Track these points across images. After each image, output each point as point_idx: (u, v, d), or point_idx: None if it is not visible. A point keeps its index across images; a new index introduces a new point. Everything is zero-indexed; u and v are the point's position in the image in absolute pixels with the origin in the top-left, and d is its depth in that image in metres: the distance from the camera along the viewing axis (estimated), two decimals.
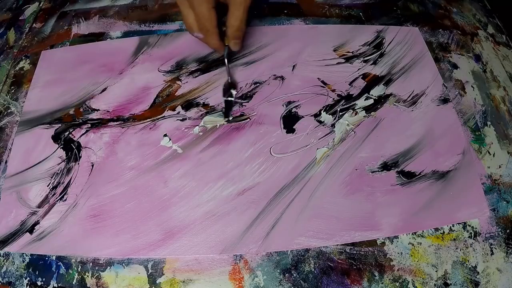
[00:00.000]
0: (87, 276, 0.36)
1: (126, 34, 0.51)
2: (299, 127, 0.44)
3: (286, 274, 0.36)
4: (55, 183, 0.40)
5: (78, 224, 0.38)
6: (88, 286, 0.36)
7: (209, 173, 0.41)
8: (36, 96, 0.46)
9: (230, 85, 0.45)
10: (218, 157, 0.42)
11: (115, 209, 0.39)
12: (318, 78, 0.47)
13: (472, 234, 0.38)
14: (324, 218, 0.38)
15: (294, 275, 0.36)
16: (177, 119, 0.44)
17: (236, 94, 0.45)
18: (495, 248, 0.38)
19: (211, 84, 0.47)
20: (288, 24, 0.52)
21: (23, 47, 0.51)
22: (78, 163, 0.41)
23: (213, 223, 0.38)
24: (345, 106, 0.45)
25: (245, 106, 0.45)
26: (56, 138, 0.43)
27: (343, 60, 0.49)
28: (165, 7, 0.54)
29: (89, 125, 0.44)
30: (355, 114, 0.45)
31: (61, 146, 0.43)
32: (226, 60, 0.45)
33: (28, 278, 0.36)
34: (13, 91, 0.47)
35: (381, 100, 0.46)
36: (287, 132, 0.43)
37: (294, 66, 0.48)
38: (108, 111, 0.45)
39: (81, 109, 0.45)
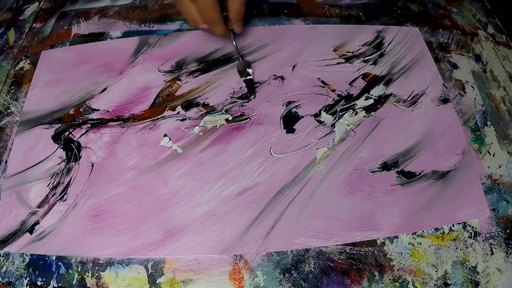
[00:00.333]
0: (87, 276, 0.36)
1: (126, 34, 0.51)
2: (299, 127, 0.44)
3: (286, 274, 0.36)
4: (55, 183, 0.40)
5: (78, 224, 0.38)
6: (88, 286, 0.36)
7: (209, 173, 0.41)
8: (36, 96, 0.46)
9: (245, 66, 0.46)
10: (218, 157, 0.42)
11: (115, 209, 0.39)
12: (318, 78, 0.47)
13: (472, 234, 0.38)
14: (324, 218, 0.38)
15: (294, 275, 0.36)
16: (177, 119, 0.44)
17: (253, 72, 0.46)
18: (495, 248, 0.38)
19: (211, 84, 0.47)
20: (288, 24, 0.52)
21: (23, 47, 0.51)
22: (78, 163, 0.41)
23: (213, 223, 0.38)
24: (345, 106, 0.45)
25: (245, 106, 0.45)
26: (56, 138, 0.43)
27: (343, 60, 0.49)
28: (165, 7, 0.54)
29: (89, 125, 0.44)
30: (355, 114, 0.45)
31: (61, 146, 0.43)
32: (235, 43, 0.45)
33: (28, 278, 0.36)
34: (13, 91, 0.47)
35: (381, 100, 0.46)
36: (287, 132, 0.43)
37: (294, 66, 0.48)
38: (108, 111, 0.45)
39: (81, 109, 0.45)
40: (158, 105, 0.45)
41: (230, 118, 0.44)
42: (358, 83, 0.47)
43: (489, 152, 0.43)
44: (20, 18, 0.55)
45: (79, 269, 0.36)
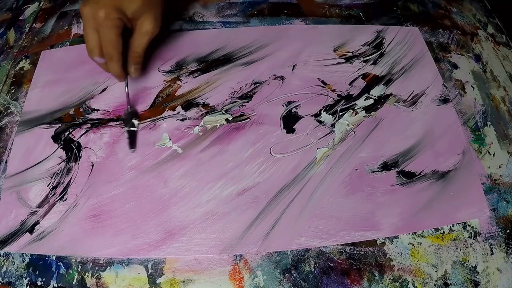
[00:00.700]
0: (87, 276, 0.36)
1: None
2: (299, 127, 0.44)
3: (286, 274, 0.36)
4: (55, 183, 0.40)
5: (78, 224, 0.38)
6: (88, 286, 0.36)
7: (209, 173, 0.41)
8: (36, 96, 0.46)
9: (131, 114, 0.44)
10: (218, 157, 0.42)
11: (115, 209, 0.39)
12: (318, 78, 0.47)
13: (472, 234, 0.38)
14: (324, 218, 0.38)
15: (294, 275, 0.36)
16: (177, 119, 0.44)
17: (138, 123, 0.43)
18: (495, 248, 0.38)
19: (211, 84, 0.47)
20: (288, 24, 0.52)
21: (23, 47, 0.51)
22: (78, 163, 0.41)
23: (213, 223, 0.38)
24: (345, 106, 0.45)
25: (245, 106, 0.45)
26: (56, 138, 0.43)
27: (343, 60, 0.49)
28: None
29: (89, 125, 0.44)
30: (355, 114, 0.45)
31: (61, 146, 0.43)
32: (127, 89, 0.43)
33: (28, 278, 0.36)
34: (13, 91, 0.47)
35: (381, 100, 0.46)
36: (287, 132, 0.43)
37: (294, 66, 0.48)
38: (108, 111, 0.45)
39: (81, 109, 0.45)
40: (158, 105, 0.45)
41: (230, 118, 0.44)
42: (358, 83, 0.47)
43: (489, 152, 0.43)
44: (20, 18, 0.55)
45: (79, 269, 0.36)
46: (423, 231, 0.38)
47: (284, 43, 0.50)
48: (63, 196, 0.39)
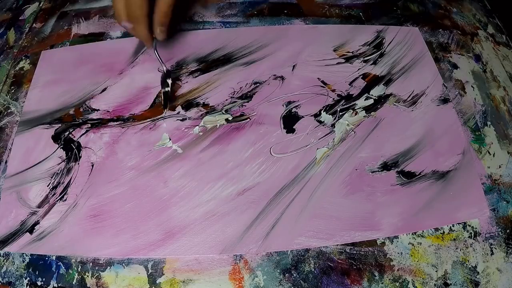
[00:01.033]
0: (87, 276, 0.36)
1: (126, 34, 0.51)
2: (299, 127, 0.44)
3: (286, 274, 0.36)
4: (55, 183, 0.40)
5: (78, 224, 0.38)
6: (88, 286, 0.36)
7: (209, 173, 0.41)
8: (36, 96, 0.46)
9: (166, 76, 0.44)
10: (218, 157, 0.42)
11: (115, 209, 0.39)
12: (318, 78, 0.47)
13: (472, 234, 0.38)
14: (324, 218, 0.38)
15: (294, 275, 0.36)
16: (177, 119, 0.44)
17: (171, 83, 0.44)
18: (495, 248, 0.38)
19: (211, 84, 0.47)
20: (288, 24, 0.52)
21: (23, 47, 0.51)
22: (78, 163, 0.41)
23: (213, 223, 0.38)
24: (345, 106, 0.45)
25: (245, 106, 0.45)
26: (56, 138, 0.43)
27: (343, 60, 0.49)
28: None
29: (89, 125, 0.44)
30: (355, 114, 0.45)
31: (61, 146, 0.43)
32: (156, 52, 0.43)
33: (28, 278, 0.36)
34: (13, 91, 0.47)
35: (381, 100, 0.46)
36: (287, 132, 0.43)
37: (294, 66, 0.48)
38: (108, 111, 0.45)
39: (81, 109, 0.45)
40: (158, 105, 0.45)
41: (230, 118, 0.44)
42: (358, 83, 0.47)
43: (489, 152, 0.43)
44: (20, 18, 0.54)
45: (79, 269, 0.36)
46: (423, 231, 0.38)
47: (284, 43, 0.50)
48: (63, 196, 0.39)
